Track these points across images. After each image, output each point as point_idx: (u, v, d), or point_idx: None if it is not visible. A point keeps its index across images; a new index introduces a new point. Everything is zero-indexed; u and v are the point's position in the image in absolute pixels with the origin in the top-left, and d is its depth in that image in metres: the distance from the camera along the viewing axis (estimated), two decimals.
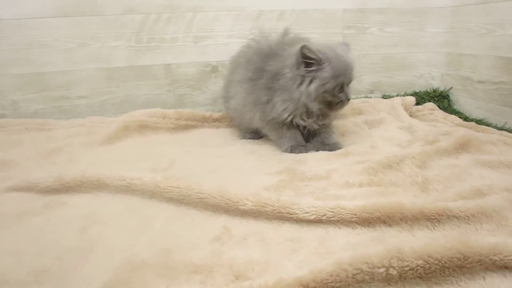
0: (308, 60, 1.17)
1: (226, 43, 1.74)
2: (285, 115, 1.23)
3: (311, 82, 1.18)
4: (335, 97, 1.20)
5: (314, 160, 1.16)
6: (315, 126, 1.28)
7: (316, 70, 1.18)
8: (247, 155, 1.26)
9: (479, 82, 1.69)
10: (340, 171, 1.05)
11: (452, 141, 1.17)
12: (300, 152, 1.25)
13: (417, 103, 1.82)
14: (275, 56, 1.26)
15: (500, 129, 1.46)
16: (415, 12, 1.90)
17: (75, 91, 1.66)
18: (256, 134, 1.45)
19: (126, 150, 1.35)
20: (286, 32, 1.35)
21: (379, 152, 1.18)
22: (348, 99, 1.22)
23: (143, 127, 1.50)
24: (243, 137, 1.47)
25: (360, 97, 1.87)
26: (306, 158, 1.18)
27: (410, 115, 1.62)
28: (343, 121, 1.52)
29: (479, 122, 1.59)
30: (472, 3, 1.70)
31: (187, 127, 1.58)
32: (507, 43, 1.52)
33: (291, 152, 1.26)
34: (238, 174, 1.08)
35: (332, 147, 1.28)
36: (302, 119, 1.25)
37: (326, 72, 1.17)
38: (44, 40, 1.58)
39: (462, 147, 1.16)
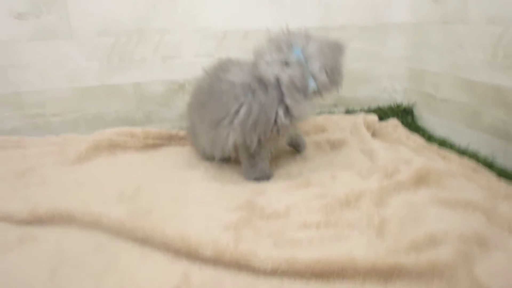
0: None
1: (192, 62, 1.79)
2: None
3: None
4: None
5: (274, 192, 1.19)
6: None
7: None
8: (210, 183, 1.29)
9: (442, 100, 1.69)
10: (299, 207, 1.07)
11: (411, 174, 1.18)
12: (263, 181, 1.29)
13: (381, 118, 1.86)
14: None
15: (463, 151, 1.49)
16: (376, 28, 1.93)
17: (49, 109, 1.73)
18: None
19: (95, 171, 1.38)
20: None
21: (338, 184, 1.21)
22: None
23: (113, 147, 1.54)
24: (208, 158, 1.45)
25: (324, 113, 1.90)
26: (266, 189, 1.21)
27: (374, 132, 1.67)
28: (305, 139, 1.55)
29: (442, 142, 1.60)
30: (432, 22, 1.71)
31: (154, 146, 1.62)
32: (466, 65, 1.52)
33: (254, 181, 1.30)
34: (200, 208, 1.11)
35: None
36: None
37: None
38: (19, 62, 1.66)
39: (421, 180, 1.18)
